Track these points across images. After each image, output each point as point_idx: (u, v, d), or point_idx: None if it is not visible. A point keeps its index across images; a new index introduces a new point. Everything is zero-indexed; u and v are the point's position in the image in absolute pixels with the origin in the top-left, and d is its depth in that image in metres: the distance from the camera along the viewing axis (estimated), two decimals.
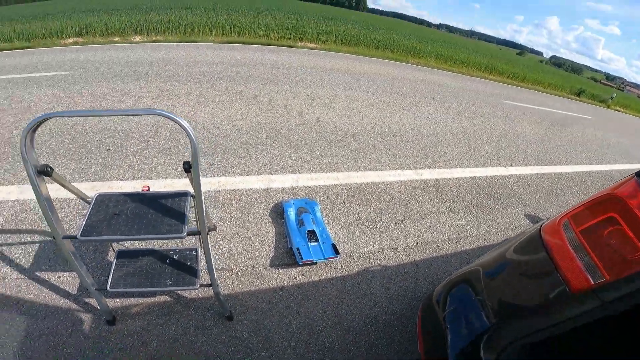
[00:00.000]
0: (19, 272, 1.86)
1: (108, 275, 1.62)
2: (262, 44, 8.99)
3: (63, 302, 1.74)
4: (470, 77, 11.29)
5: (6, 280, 1.81)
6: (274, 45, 9.08)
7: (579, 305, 0.93)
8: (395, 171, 3.41)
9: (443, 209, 3.01)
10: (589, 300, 0.92)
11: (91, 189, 2.50)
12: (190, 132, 1.10)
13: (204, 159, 3.05)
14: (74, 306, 1.73)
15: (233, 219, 2.43)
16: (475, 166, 3.98)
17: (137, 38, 8.51)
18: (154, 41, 8.25)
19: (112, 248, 1.96)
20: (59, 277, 1.86)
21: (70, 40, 7.98)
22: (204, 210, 1.33)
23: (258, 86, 5.21)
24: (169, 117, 1.07)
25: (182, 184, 2.68)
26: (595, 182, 4.48)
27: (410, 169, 3.53)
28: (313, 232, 2.26)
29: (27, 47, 7.24)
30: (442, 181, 3.44)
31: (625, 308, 0.87)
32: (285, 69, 6.56)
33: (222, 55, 7.15)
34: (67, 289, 1.80)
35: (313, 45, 9.98)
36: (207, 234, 1.41)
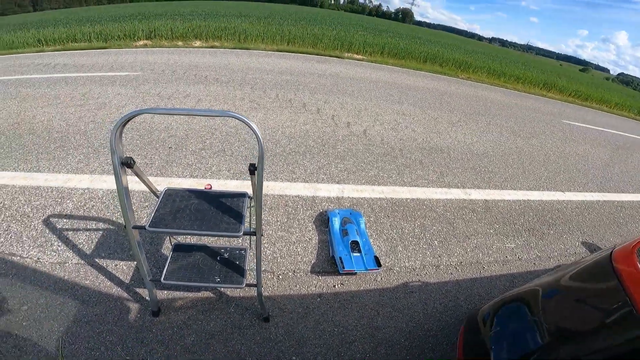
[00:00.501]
0: (80, 257, 2.00)
1: (162, 267, 1.72)
2: (310, 54, 9.25)
3: (115, 291, 1.85)
4: (526, 94, 10.63)
5: (67, 264, 1.95)
6: (322, 55, 9.29)
7: None
8: (442, 189, 3.32)
9: (491, 231, 2.87)
10: None
11: (155, 184, 2.73)
12: (260, 137, 1.17)
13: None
14: (125, 295, 1.83)
15: (279, 223, 2.51)
16: (529, 189, 3.74)
17: (197, 43, 9.17)
18: (212, 46, 8.84)
19: (170, 241, 2.09)
20: (116, 265, 1.99)
21: (141, 42, 8.81)
22: (262, 212, 1.41)
23: (307, 95, 5.36)
24: (242, 121, 1.15)
25: (233, 185, 2.83)
26: None
27: (458, 187, 3.42)
28: (356, 242, 2.28)
29: (104, 48, 8.11)
30: (492, 202, 3.28)
31: None
32: (332, 79, 6.69)
33: (273, 63, 7.47)
34: (121, 278, 1.92)
35: (359, 56, 10.05)
36: (262, 235, 1.48)
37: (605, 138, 7.20)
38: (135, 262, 2.00)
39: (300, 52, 9.28)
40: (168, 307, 1.80)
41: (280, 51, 9.18)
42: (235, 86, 5.43)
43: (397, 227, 2.67)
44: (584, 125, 7.97)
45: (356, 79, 7.12)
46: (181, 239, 2.20)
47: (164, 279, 1.65)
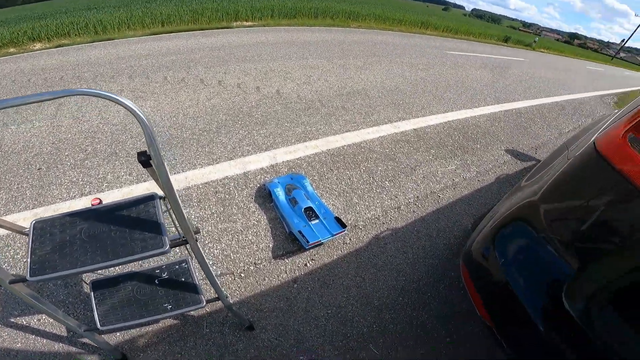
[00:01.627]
0: None
1: (92, 312, 1.29)
2: (193, 30, 8.14)
3: (59, 346, 1.42)
4: (409, 34, 11.39)
5: None
6: (207, 30, 8.26)
7: None
8: (372, 128, 3.23)
9: (430, 157, 2.89)
10: None
11: (35, 217, 2.00)
12: (137, 110, 0.74)
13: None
14: (74, 348, 1.42)
15: (215, 215, 2.08)
16: (445, 111, 3.93)
17: (37, 45, 7.26)
18: (59, 45, 7.09)
19: (84, 280, 1.59)
20: (39, 319, 1.50)
21: None
22: (183, 210, 1.00)
23: (201, 70, 4.65)
24: (96, 95, 0.70)
25: (143, 189, 2.24)
26: (551, 112, 4.71)
27: (386, 123, 3.37)
28: (310, 208, 2.01)
29: None
30: (420, 130, 3.33)
31: None
32: (226, 50, 5.97)
33: (150, 47, 6.33)
34: (55, 332, 1.47)
35: (249, 23, 9.27)
36: (196, 239, 1.09)
37: (482, 61, 8.16)
38: None
39: (181, 31, 8.09)
40: (133, 349, 1.43)
41: (156, 34, 7.87)
42: (106, 80, 4.39)
43: (344, 178, 2.47)
44: (463, 53, 8.90)
45: (252, 44, 6.50)
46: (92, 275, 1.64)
47: (101, 325, 1.25)
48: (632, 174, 0.85)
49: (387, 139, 3.05)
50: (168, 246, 1.04)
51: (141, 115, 0.76)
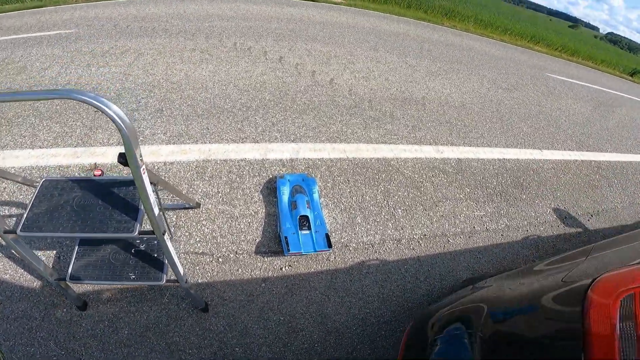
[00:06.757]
0: None
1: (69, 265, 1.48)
2: None
3: (37, 284, 1.64)
4: (512, 46, 10.06)
5: None
6: None
7: None
8: (412, 146, 2.99)
9: (461, 196, 2.61)
10: None
11: (72, 155, 2.29)
12: (117, 117, 0.79)
13: (197, 122, 2.74)
14: (47, 289, 1.63)
15: (220, 194, 2.16)
16: (506, 146, 3.47)
17: None
18: None
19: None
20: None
21: None
22: (156, 211, 1.08)
23: (270, 42, 4.71)
24: (84, 101, 0.75)
25: (168, 151, 2.41)
26: (636, 175, 3.83)
27: (430, 144, 3.10)
28: (306, 218, 1.97)
29: (39, 7, 6.92)
30: (465, 162, 3.00)
31: None
32: (303, 24, 5.95)
33: (237, 8, 6.58)
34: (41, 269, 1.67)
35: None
36: (164, 233, 1.16)
37: (588, 93, 6.94)
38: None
39: None
40: (96, 300, 1.62)
41: None
42: (186, 36, 4.69)
43: (357, 194, 2.36)
44: (568, 79, 7.65)
45: (330, 24, 6.37)
46: None
47: (69, 278, 1.41)
48: (592, 324, 0.74)
49: (422, 163, 2.81)
50: (137, 233, 1.15)
51: (121, 123, 0.81)
